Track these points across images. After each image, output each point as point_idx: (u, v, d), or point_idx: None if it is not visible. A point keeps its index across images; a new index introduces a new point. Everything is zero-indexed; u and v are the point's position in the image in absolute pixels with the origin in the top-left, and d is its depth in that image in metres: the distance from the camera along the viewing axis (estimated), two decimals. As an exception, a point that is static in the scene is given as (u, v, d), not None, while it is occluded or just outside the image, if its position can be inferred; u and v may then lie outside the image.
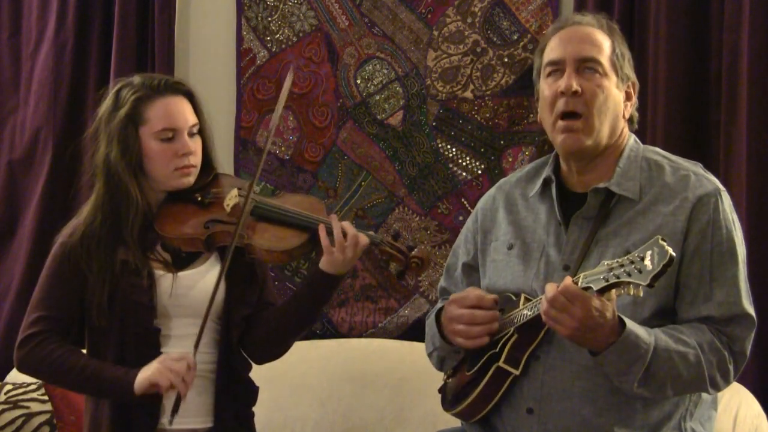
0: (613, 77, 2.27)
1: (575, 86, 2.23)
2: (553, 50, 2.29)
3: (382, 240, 2.44)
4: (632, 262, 1.96)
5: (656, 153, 2.35)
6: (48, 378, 2.58)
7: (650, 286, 1.94)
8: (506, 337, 2.24)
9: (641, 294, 1.98)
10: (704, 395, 2.27)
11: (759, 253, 3.00)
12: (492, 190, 2.52)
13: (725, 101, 3.06)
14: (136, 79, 2.54)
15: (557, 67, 2.27)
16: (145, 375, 2.36)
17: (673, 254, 1.92)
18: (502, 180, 2.54)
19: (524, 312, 2.21)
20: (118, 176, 2.47)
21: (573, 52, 2.26)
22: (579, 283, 2.05)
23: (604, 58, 2.26)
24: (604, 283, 2.00)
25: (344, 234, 2.40)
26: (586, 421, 2.20)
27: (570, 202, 2.31)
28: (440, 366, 2.49)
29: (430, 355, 2.51)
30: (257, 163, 2.48)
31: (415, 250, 2.45)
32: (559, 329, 2.08)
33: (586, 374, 2.20)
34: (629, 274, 1.96)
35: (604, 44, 2.28)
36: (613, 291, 2.01)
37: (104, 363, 2.44)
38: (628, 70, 2.32)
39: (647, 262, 1.94)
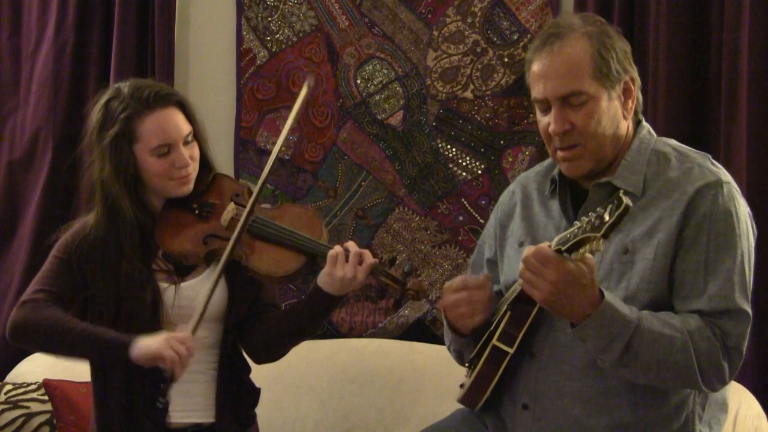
0: (603, 92, 2.20)
1: (565, 127, 2.20)
2: (535, 84, 2.24)
3: (378, 269, 2.43)
4: (597, 218, 1.95)
5: (667, 145, 2.31)
6: (41, 339, 2.46)
7: (605, 236, 1.93)
8: (501, 314, 2.25)
9: (601, 248, 1.96)
10: (711, 396, 2.24)
11: (759, 253, 2.99)
12: (512, 185, 2.50)
13: (725, 101, 3.06)
14: (125, 89, 2.50)
15: (543, 105, 2.24)
16: (148, 344, 2.35)
17: (629, 204, 1.90)
18: (522, 174, 2.52)
19: (516, 287, 2.20)
20: (112, 195, 2.47)
21: (553, 91, 2.20)
22: (552, 247, 2.05)
23: (587, 83, 2.19)
24: (571, 241, 2.00)
25: (346, 253, 2.41)
26: (577, 421, 2.20)
27: (581, 198, 2.29)
28: (460, 360, 2.46)
29: (449, 349, 2.50)
30: (256, 187, 2.49)
31: (410, 281, 2.44)
32: (534, 294, 2.07)
33: (578, 375, 2.19)
34: (589, 230, 1.96)
35: (584, 63, 2.19)
36: (580, 250, 1.99)
37: (103, 327, 2.43)
38: (621, 66, 2.24)
39: (606, 215, 1.93)
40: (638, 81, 2.28)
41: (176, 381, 2.36)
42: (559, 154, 2.24)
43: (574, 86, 2.19)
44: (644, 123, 2.33)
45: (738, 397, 2.84)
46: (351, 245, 2.43)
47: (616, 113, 2.24)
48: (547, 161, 2.45)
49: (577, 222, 2.03)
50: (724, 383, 2.19)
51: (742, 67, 3.01)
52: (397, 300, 2.44)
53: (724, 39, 3.06)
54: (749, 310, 2.18)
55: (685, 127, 3.11)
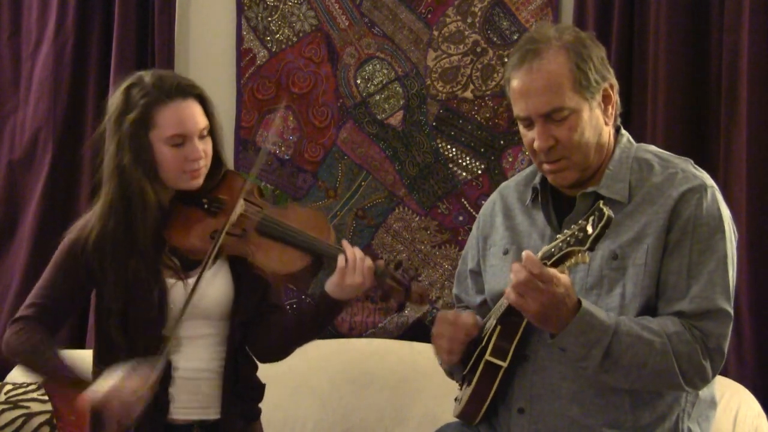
0: (584, 104, 2.21)
1: (549, 143, 2.21)
2: (516, 102, 2.25)
3: (384, 271, 2.44)
4: (580, 230, 1.97)
5: (648, 152, 2.33)
6: (23, 361, 2.55)
7: (591, 249, 1.95)
8: (491, 330, 2.25)
9: (587, 260, 2.00)
10: (701, 394, 2.26)
11: (759, 253, 3.00)
12: (493, 195, 2.53)
13: (725, 101, 3.07)
14: (147, 77, 2.51)
15: (526, 121, 2.25)
16: (94, 394, 2.36)
17: (611, 215, 1.93)
18: (503, 184, 2.54)
19: (503, 301, 2.21)
20: (133, 181, 2.46)
21: (535, 108, 2.21)
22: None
23: (568, 97, 2.19)
24: (556, 256, 2.03)
25: (353, 261, 2.42)
26: (574, 422, 2.21)
27: (564, 205, 2.31)
28: (450, 376, 2.50)
29: (440, 365, 2.51)
30: (250, 175, 2.53)
31: (415, 285, 2.45)
32: (525, 305, 2.07)
33: (573, 375, 2.20)
34: (574, 243, 1.98)
35: (564, 78, 2.19)
36: (566, 263, 2.02)
37: (71, 363, 2.46)
38: (599, 75, 2.23)
39: (589, 227, 1.95)
40: (616, 85, 2.29)
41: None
42: (546, 167, 2.26)
43: (555, 103, 2.19)
44: (623, 131, 2.34)
45: (738, 397, 2.84)
46: (357, 251, 2.43)
47: (597, 122, 2.25)
48: (527, 170, 2.48)
49: (559, 235, 2.05)
50: (707, 382, 2.21)
51: (742, 67, 3.02)
52: (401, 303, 2.46)
53: (724, 39, 3.06)
54: (730, 310, 2.19)
55: (685, 127, 3.11)
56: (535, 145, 2.23)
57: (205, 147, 2.51)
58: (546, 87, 2.20)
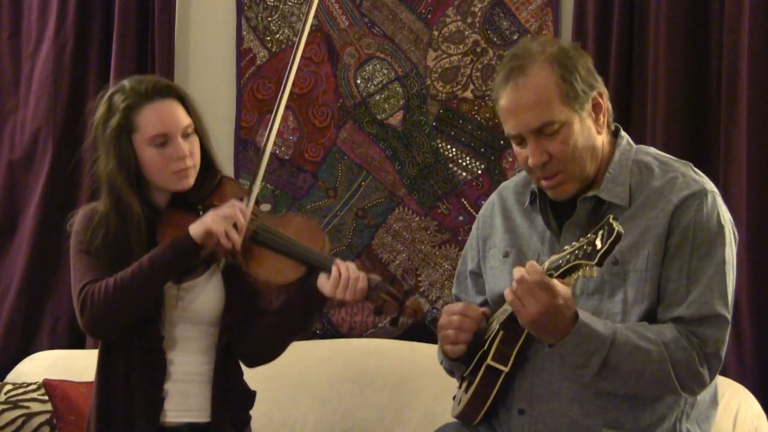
0: (574, 115, 2.20)
1: (543, 158, 2.20)
2: (506, 120, 2.24)
3: (378, 285, 2.45)
4: (588, 244, 1.97)
5: (648, 154, 2.31)
6: (120, 304, 2.40)
7: (598, 264, 1.95)
8: (493, 334, 2.26)
9: (594, 274, 1.99)
10: (700, 395, 2.25)
11: (759, 253, 3.00)
12: (492, 196, 2.52)
13: (725, 101, 3.07)
14: (127, 84, 2.52)
15: (518, 139, 2.24)
16: (198, 224, 2.41)
17: (620, 231, 1.92)
18: (502, 185, 2.53)
19: (507, 307, 2.21)
20: (118, 190, 2.47)
21: (525, 125, 2.20)
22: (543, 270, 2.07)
23: (557, 110, 2.18)
24: (563, 268, 2.02)
25: (347, 279, 2.43)
26: (574, 422, 2.21)
27: (564, 207, 2.30)
28: (451, 375, 2.50)
29: (441, 363, 2.52)
30: (251, 187, 2.52)
31: (409, 299, 2.46)
32: (522, 312, 2.07)
33: (573, 376, 2.20)
34: (582, 256, 1.98)
35: (550, 92, 2.18)
36: (573, 275, 2.02)
37: (147, 252, 2.44)
38: (586, 85, 2.22)
39: (597, 241, 1.95)
40: (606, 92, 2.27)
41: (236, 248, 2.41)
42: (543, 183, 2.26)
43: (545, 117, 2.18)
44: (622, 133, 2.33)
45: (738, 397, 2.84)
46: (351, 266, 2.44)
47: (590, 132, 2.23)
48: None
49: (567, 246, 2.04)
50: (704, 387, 2.21)
51: (742, 67, 3.02)
52: (394, 318, 2.46)
53: (724, 40, 3.07)
54: (728, 316, 2.19)
55: (685, 127, 3.11)
56: (530, 161, 2.22)
57: (190, 146, 2.50)
58: (534, 102, 2.19)
